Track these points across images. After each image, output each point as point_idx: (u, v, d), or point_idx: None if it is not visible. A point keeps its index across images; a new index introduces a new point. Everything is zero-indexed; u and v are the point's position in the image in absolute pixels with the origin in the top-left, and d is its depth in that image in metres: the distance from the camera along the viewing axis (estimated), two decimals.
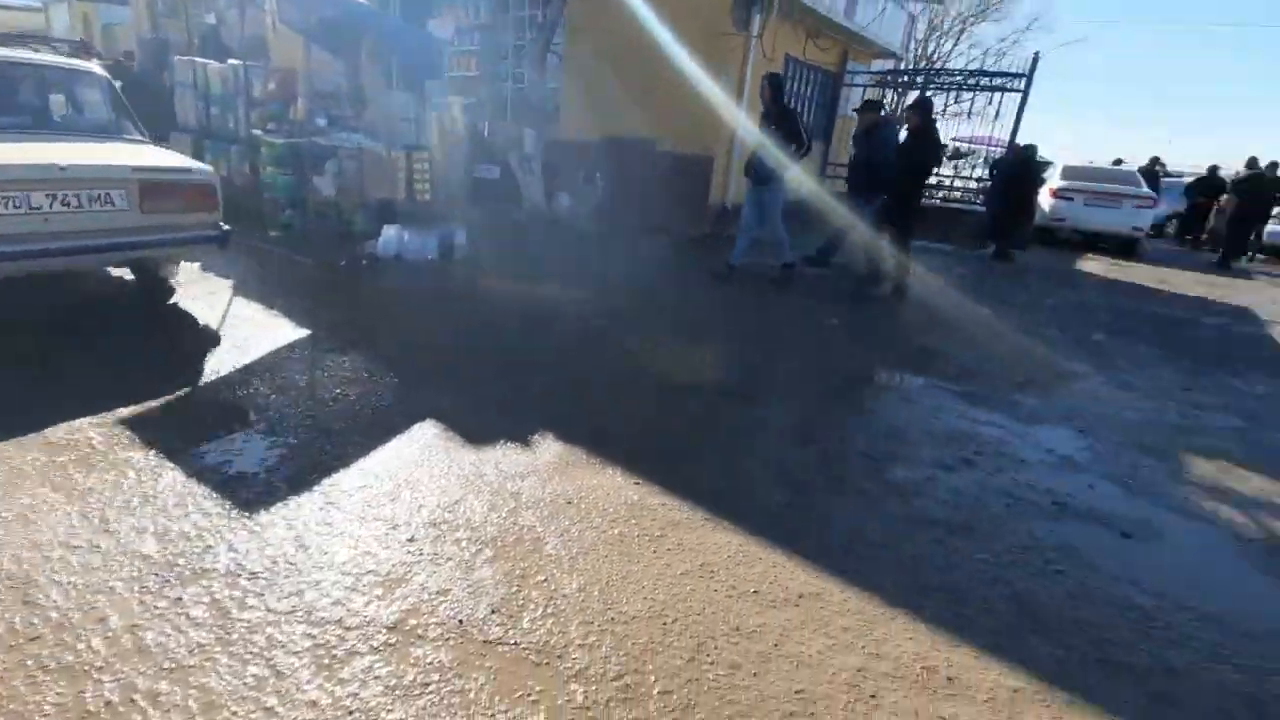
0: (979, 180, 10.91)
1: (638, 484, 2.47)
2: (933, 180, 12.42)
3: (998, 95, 9.93)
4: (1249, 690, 1.76)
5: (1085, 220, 10.86)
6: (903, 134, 6.04)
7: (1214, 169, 13.16)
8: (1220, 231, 11.39)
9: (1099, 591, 2.11)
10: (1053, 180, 11.39)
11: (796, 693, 1.61)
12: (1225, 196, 11.54)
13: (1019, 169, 8.88)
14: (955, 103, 11.64)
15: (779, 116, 5.43)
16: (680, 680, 1.61)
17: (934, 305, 5.87)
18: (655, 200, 8.85)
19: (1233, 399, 4.08)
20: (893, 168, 5.72)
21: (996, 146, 10.71)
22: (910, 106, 5.97)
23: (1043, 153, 11.82)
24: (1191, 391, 4.13)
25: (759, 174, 5.57)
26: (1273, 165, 10.96)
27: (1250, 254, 11.50)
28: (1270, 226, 11.93)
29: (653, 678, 1.61)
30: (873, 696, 1.63)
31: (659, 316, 4.84)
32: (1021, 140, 9.48)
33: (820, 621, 1.86)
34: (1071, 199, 10.90)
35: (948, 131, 11.61)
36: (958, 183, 11.78)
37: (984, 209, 9.75)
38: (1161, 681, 1.76)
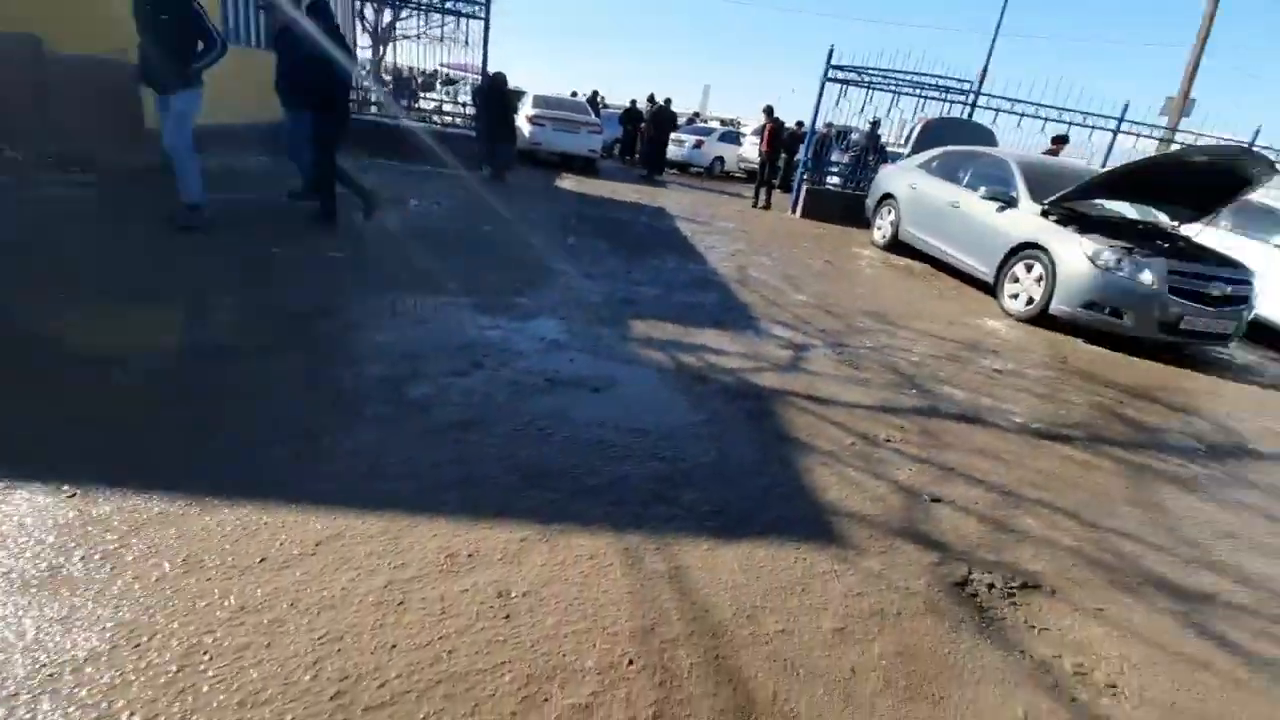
0: (464, 105, 11.47)
1: (74, 495, 1.88)
2: (429, 105, 12.58)
3: (467, 22, 10.44)
4: (668, 472, 2.50)
5: (556, 144, 12.71)
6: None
7: (634, 102, 16.99)
8: (645, 151, 14.93)
9: (578, 439, 2.64)
10: (526, 108, 12.88)
11: (319, 639, 1.54)
12: (644, 124, 15.10)
13: (494, 95, 9.67)
14: (428, 27, 11.75)
15: (163, 4, 4.35)
16: (166, 700, 1.34)
17: (439, 227, 6.07)
18: (58, 122, 6.45)
19: (655, 273, 5.54)
20: (309, 74, 5.15)
21: (478, 74, 11.38)
22: (306, 9, 5.33)
23: (517, 82, 13.17)
24: (631, 273, 5.43)
25: (151, 81, 4.52)
26: (668, 101, 14.77)
27: (663, 168, 15.45)
28: (671, 147, 16.24)
29: (125, 715, 1.30)
30: (400, 603, 1.68)
31: (99, 279, 3.65)
32: (494, 68, 10.29)
33: (342, 559, 1.80)
34: (544, 125, 12.55)
35: (433, 58, 11.74)
36: (449, 108, 12.16)
37: (475, 134, 10.40)
38: (619, 490, 2.34)
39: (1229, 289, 5.31)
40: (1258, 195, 6.77)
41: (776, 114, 12.30)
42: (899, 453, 2.96)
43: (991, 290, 6.32)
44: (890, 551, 2.22)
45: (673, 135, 16.87)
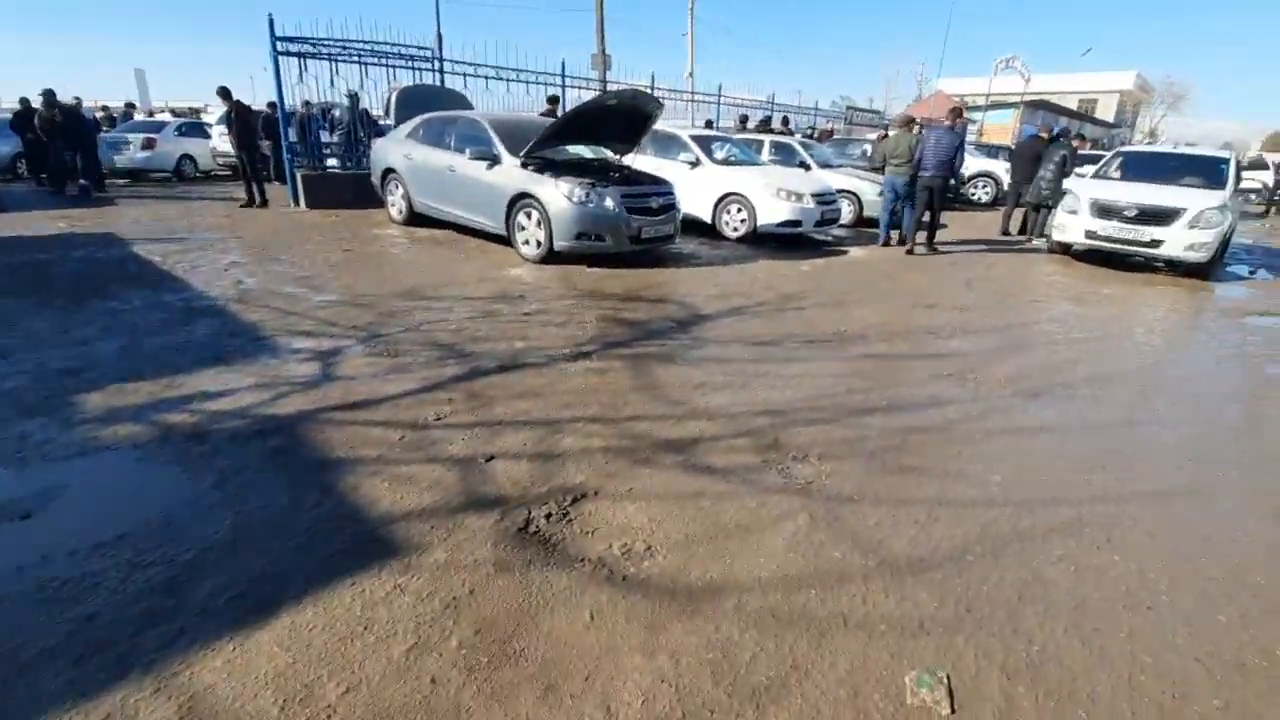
0: None
1: None
2: None
3: None
4: (164, 577, 1.92)
5: None
6: None
7: (26, 102, 12.34)
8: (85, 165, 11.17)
9: None
10: None
11: None
12: (41, 131, 11.17)
13: None
14: None
15: None
16: None
17: None
18: None
19: (113, 320, 4.21)
20: None
21: None
22: None
23: None
24: (71, 331, 4.01)
25: None
26: (78, 100, 11.16)
27: (102, 181, 11.80)
28: (110, 152, 12.58)
29: None
30: None
31: None
32: None
33: None
34: None
35: None
36: None
37: None
38: (83, 639, 1.69)
39: (662, 200, 6.90)
40: (663, 125, 8.89)
41: (237, 96, 10.56)
42: (450, 426, 2.95)
43: (508, 241, 6.85)
44: (454, 533, 2.19)
45: (106, 136, 13.09)
